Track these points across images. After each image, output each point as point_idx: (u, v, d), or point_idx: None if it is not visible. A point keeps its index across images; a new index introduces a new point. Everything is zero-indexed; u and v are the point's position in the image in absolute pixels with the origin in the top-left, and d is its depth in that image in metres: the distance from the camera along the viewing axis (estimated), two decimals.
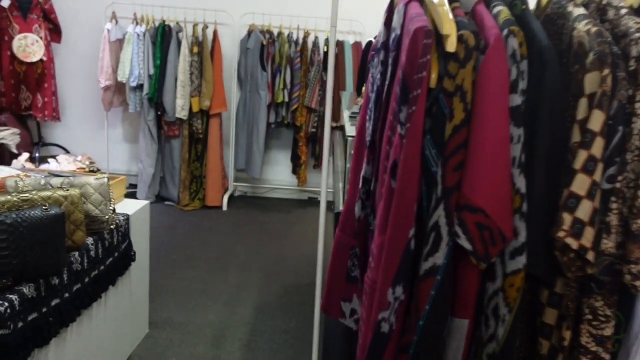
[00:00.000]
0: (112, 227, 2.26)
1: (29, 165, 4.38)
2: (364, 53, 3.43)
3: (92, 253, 2.13)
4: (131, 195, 5.06)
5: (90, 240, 2.13)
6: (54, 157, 4.67)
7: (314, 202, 5.48)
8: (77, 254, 2.02)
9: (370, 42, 3.57)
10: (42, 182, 2.10)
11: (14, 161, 4.39)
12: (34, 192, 1.90)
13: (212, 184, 5.07)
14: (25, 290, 1.73)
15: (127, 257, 2.47)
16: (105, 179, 2.21)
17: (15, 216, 1.70)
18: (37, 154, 4.81)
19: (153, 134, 4.89)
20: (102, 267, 2.23)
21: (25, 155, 4.44)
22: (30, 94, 4.72)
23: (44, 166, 4.44)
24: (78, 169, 4.56)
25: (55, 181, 2.11)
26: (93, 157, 4.65)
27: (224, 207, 5.08)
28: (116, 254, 2.35)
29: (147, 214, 2.74)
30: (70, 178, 2.16)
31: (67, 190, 1.97)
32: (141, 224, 2.68)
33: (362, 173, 1.37)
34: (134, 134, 5.32)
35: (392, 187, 1.11)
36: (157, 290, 3.33)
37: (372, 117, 1.34)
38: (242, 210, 5.10)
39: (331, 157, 3.23)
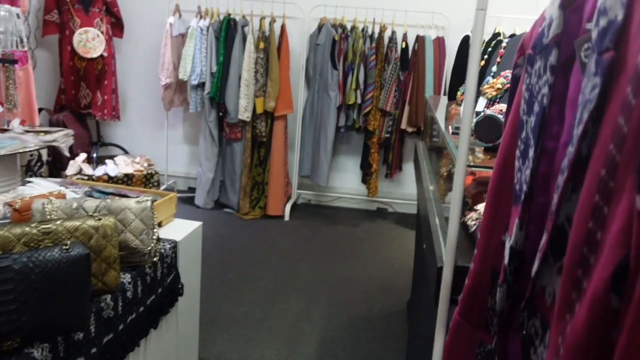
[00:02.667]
0: (155, 259, 1.87)
1: (86, 167, 4.13)
2: (461, 49, 2.91)
3: (130, 294, 1.75)
4: (189, 200, 4.79)
5: (127, 277, 1.75)
6: (112, 157, 4.42)
7: (383, 214, 4.99)
8: (109, 297, 1.64)
9: (467, 37, 3.05)
10: (75, 205, 1.73)
11: (71, 162, 4.16)
12: (59, 222, 1.52)
13: (275, 192, 4.67)
14: (37, 353, 1.35)
15: (173, 293, 2.08)
16: (149, 202, 1.82)
17: (27, 259, 1.32)
18: (95, 154, 4.57)
19: (214, 136, 4.55)
20: (141, 309, 1.85)
21: (83, 155, 4.20)
22: (90, 92, 4.48)
23: (100, 168, 4.19)
24: (136, 171, 4.29)
25: (90, 205, 1.74)
26: (152, 158, 4.37)
27: (286, 217, 4.68)
28: (160, 290, 1.97)
29: (199, 237, 2.35)
30: (108, 201, 1.78)
31: (100, 219, 1.58)
32: (192, 248, 2.29)
33: (510, 242, 0.88)
34: (194, 136, 5.02)
35: (612, 305, 0.61)
36: (209, 318, 2.95)
37: (532, 156, 0.85)
38: (305, 221, 4.68)
39: (418, 172, 2.74)
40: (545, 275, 0.82)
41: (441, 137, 2.37)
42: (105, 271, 1.60)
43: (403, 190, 5.00)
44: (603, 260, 0.61)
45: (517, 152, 0.91)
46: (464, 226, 1.79)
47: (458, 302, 1.08)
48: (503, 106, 1.59)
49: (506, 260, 0.89)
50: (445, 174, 2.27)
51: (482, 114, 1.47)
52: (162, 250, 1.98)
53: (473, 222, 1.69)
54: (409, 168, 4.92)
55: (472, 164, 1.49)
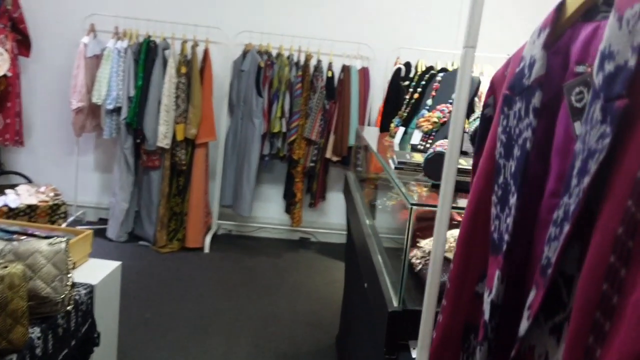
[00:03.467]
0: (69, 307, 1.66)
1: None
2: (393, 81, 2.91)
3: (39, 350, 1.53)
4: (100, 233, 4.45)
5: (36, 332, 1.52)
6: (13, 187, 4.02)
7: (306, 244, 4.90)
8: (14, 358, 1.41)
9: (399, 69, 3.07)
10: None
11: None
12: None
13: (194, 223, 4.45)
14: None
15: (88, 343, 1.86)
16: (63, 244, 1.61)
17: None
18: None
19: (130, 164, 4.28)
20: None
21: None
22: None
23: (0, 199, 3.79)
24: (40, 201, 3.92)
25: None
26: (60, 187, 4.03)
27: (206, 249, 4.47)
28: (73, 343, 1.74)
29: (117, 279, 2.14)
30: (15, 243, 1.56)
31: (5, 267, 1.37)
32: (110, 292, 2.07)
33: (491, 296, 0.81)
34: (107, 163, 4.70)
35: None
36: None
37: (514, 203, 0.79)
38: (226, 253, 4.48)
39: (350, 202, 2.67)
40: (535, 334, 0.75)
41: (382, 170, 2.33)
42: (11, 327, 1.38)
43: (326, 220, 4.95)
44: (627, 332, 0.54)
45: (494, 198, 0.85)
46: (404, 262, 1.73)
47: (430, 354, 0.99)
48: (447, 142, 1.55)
49: (487, 316, 0.82)
50: (388, 208, 2.22)
51: (431, 151, 1.43)
52: (77, 297, 1.76)
53: (418, 261, 1.64)
54: (332, 197, 4.88)
55: (416, 201, 1.43)
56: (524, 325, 0.73)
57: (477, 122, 1.40)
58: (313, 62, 4.41)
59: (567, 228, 0.64)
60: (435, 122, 2.13)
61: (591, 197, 0.62)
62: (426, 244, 1.68)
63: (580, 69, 0.72)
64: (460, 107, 0.74)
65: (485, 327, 0.82)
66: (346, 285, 3.02)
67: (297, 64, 4.40)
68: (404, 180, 1.70)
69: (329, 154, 4.50)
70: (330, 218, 4.94)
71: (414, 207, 1.34)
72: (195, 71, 4.22)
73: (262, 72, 4.29)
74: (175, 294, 3.62)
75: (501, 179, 0.84)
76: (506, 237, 0.80)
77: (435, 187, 1.49)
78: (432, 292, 0.83)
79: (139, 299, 3.45)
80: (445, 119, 2.12)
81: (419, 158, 1.80)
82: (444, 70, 2.47)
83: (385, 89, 4.55)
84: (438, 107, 2.18)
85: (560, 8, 0.78)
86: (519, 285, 0.83)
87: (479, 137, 0.96)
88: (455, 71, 2.27)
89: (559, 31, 0.78)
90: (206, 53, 4.32)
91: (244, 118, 4.40)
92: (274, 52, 4.41)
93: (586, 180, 0.61)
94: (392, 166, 1.76)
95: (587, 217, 0.64)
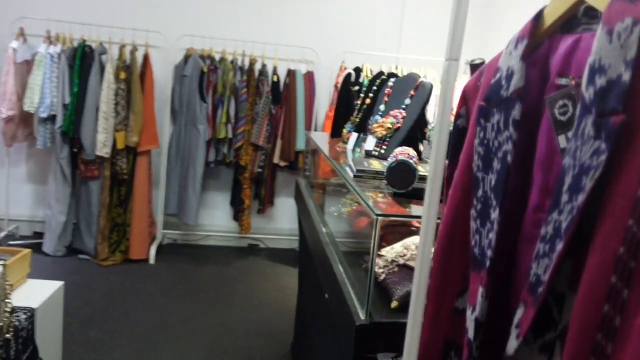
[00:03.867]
0: (8, 335, 1.53)
1: None
2: (344, 86, 2.89)
3: None
4: (36, 247, 4.19)
5: None
6: None
7: (255, 251, 4.82)
8: None
9: (349, 74, 3.05)
10: None
11: None
12: None
13: (138, 233, 4.29)
14: None
15: None
16: (0, 267, 1.49)
17: None
18: None
19: (66, 174, 4.06)
20: None
21: None
22: None
23: None
24: None
25: None
26: None
27: (151, 260, 4.31)
28: None
29: (60, 300, 2.01)
30: None
31: None
32: (52, 314, 1.94)
33: (475, 313, 0.79)
34: (41, 174, 4.45)
35: None
36: None
37: (497, 218, 0.77)
38: (173, 263, 4.34)
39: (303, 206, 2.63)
40: (523, 353, 0.73)
41: (336, 177, 2.30)
42: None
43: (275, 225, 4.88)
44: (632, 355, 0.53)
45: (473, 212, 0.83)
46: (366, 272, 1.71)
47: None
48: (408, 149, 1.54)
49: (471, 334, 0.80)
50: (344, 214, 2.19)
51: (393, 159, 1.41)
52: (17, 323, 1.63)
53: (380, 270, 1.61)
54: (281, 203, 4.83)
55: (381, 212, 1.41)
56: (512, 344, 0.71)
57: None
58: (258, 67, 4.34)
59: (560, 246, 0.62)
60: (389, 128, 2.13)
61: (584, 214, 0.61)
62: (387, 252, 1.66)
63: (562, 81, 0.71)
64: (444, 120, 0.71)
65: (469, 345, 0.80)
66: (301, 292, 2.98)
67: (241, 68, 4.32)
68: (362, 188, 1.68)
69: (276, 159, 4.44)
70: (279, 223, 4.88)
71: (379, 218, 1.31)
72: (135, 76, 4.07)
73: (206, 77, 4.19)
74: (120, 309, 3.46)
75: (480, 193, 0.82)
76: (489, 252, 0.78)
77: (397, 196, 1.47)
78: (418, 309, 0.80)
79: (81, 316, 3.28)
80: (399, 125, 2.12)
81: (377, 166, 1.78)
82: (393, 75, 2.47)
83: (330, 93, 4.55)
84: (391, 112, 2.17)
85: (537, 19, 0.77)
86: (500, 300, 0.81)
87: (452, 148, 0.94)
88: (406, 76, 2.27)
89: (535, 42, 0.77)
90: (146, 58, 4.17)
91: (188, 124, 4.28)
92: (217, 57, 4.31)
93: (581, 197, 0.60)
94: (351, 174, 1.73)
95: (578, 234, 0.62)
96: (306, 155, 3.47)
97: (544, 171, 0.74)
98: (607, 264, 0.56)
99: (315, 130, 4.52)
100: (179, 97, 4.31)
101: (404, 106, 2.16)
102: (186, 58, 4.26)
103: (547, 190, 0.73)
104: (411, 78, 2.21)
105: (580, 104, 0.63)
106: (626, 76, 0.56)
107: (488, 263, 0.78)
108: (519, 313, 0.70)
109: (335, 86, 4.44)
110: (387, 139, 2.15)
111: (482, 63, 3.74)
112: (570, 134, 0.69)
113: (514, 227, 0.79)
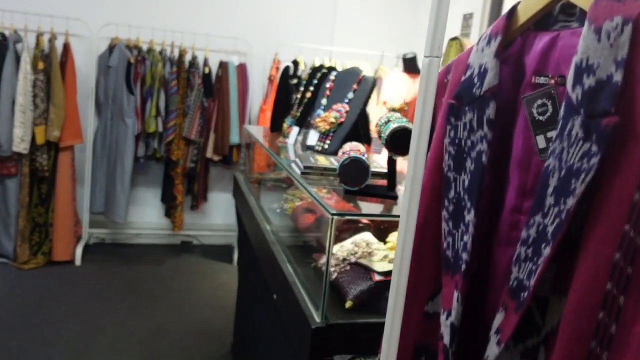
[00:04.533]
0: None
1: None
2: (282, 80, 2.82)
3: None
4: None
5: None
6: None
7: (189, 248, 4.68)
8: None
9: (287, 67, 2.98)
10: None
11: None
12: None
13: (61, 234, 4.04)
14: None
15: None
16: None
17: None
18: None
19: None
20: None
21: None
22: None
23: None
24: None
25: None
26: None
27: (77, 262, 4.08)
28: None
29: None
30: None
31: None
32: None
33: (451, 318, 0.77)
34: None
35: None
36: None
37: (471, 220, 0.75)
38: (101, 264, 4.13)
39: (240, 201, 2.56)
40: (503, 358, 0.72)
41: (278, 172, 2.25)
42: None
43: (209, 221, 4.76)
44: None
45: (445, 214, 0.81)
46: (316, 271, 1.68)
47: None
48: (358, 145, 1.51)
49: (447, 340, 0.78)
50: (287, 211, 2.14)
51: (346, 157, 1.37)
52: None
53: (332, 269, 1.58)
54: (214, 198, 4.71)
55: (336, 211, 1.37)
56: (493, 350, 0.69)
57: (390, 126, 1.37)
58: (188, 58, 4.19)
59: (547, 250, 0.61)
60: (332, 122, 2.10)
61: (580, 220, 0.59)
62: (338, 250, 1.63)
63: (541, 80, 0.70)
64: (425, 118, 0.68)
65: (445, 352, 0.78)
66: (242, 290, 2.91)
67: (170, 59, 4.15)
68: (311, 185, 1.64)
69: (209, 154, 4.31)
70: (213, 219, 4.76)
71: (335, 217, 1.28)
72: (54, 67, 3.81)
73: (133, 68, 3.99)
74: (45, 315, 3.25)
75: (452, 194, 0.80)
76: (464, 255, 0.76)
77: (349, 194, 1.44)
78: (397, 316, 0.77)
79: (1, 325, 3.05)
80: (342, 119, 2.09)
81: (324, 162, 1.74)
82: (332, 69, 2.44)
83: (264, 86, 4.47)
84: (334, 106, 2.14)
85: (510, 15, 0.75)
86: (473, 303, 0.80)
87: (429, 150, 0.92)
88: (349, 70, 2.25)
89: (507, 39, 0.76)
90: (66, 47, 3.92)
91: (114, 118, 4.07)
92: (145, 47, 4.12)
93: (570, 201, 0.58)
94: (298, 171, 1.68)
95: (564, 237, 0.61)
96: (242, 149, 3.39)
97: (521, 172, 0.73)
98: (601, 270, 0.55)
99: (250, 123, 4.43)
100: (104, 89, 4.09)
101: (347, 100, 2.13)
102: (111, 48, 4.05)
103: (524, 192, 0.72)
104: (354, 72, 2.18)
105: (565, 104, 0.61)
106: (618, 76, 0.55)
107: (464, 267, 0.76)
108: (499, 318, 0.69)
109: (269, 79, 4.36)
110: (331, 134, 2.12)
111: (414, 58, 3.79)
112: (550, 134, 0.68)
113: (486, 228, 0.78)
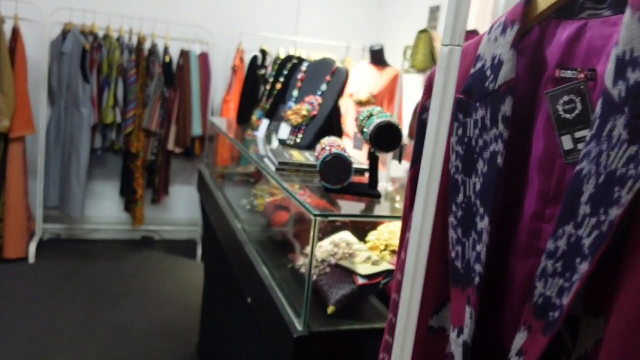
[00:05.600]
0: None
1: None
2: (250, 70, 2.70)
3: None
4: None
5: None
6: None
7: (150, 243, 4.52)
8: None
9: (255, 57, 2.86)
10: None
11: None
12: None
13: (13, 229, 3.83)
14: None
15: None
16: None
17: None
18: None
19: None
20: None
21: None
22: None
23: None
24: None
25: None
26: None
27: (31, 259, 3.88)
28: None
29: None
30: None
31: None
32: None
33: (463, 337, 0.70)
34: None
35: None
36: None
37: (485, 227, 0.68)
38: (57, 261, 3.94)
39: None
40: None
41: (246, 166, 2.15)
42: None
43: (171, 215, 4.60)
44: None
45: (452, 220, 0.74)
46: (293, 273, 1.59)
47: None
48: (337, 140, 1.43)
49: (454, 347, 0.71)
50: (256, 207, 2.04)
51: (327, 153, 1.29)
52: None
53: (313, 271, 1.50)
54: (176, 191, 4.55)
55: (318, 212, 1.29)
56: None
57: (374, 121, 1.29)
58: (147, 46, 4.01)
59: (584, 267, 0.55)
60: (304, 115, 2.01)
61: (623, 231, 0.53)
62: (317, 250, 1.55)
63: (567, 74, 0.63)
64: (444, 115, 0.60)
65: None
66: (208, 289, 2.80)
67: (129, 47, 3.96)
68: (286, 181, 1.55)
69: (171, 146, 4.15)
70: (175, 213, 4.61)
71: (318, 219, 1.19)
72: (3, 53, 3.57)
73: (88, 55, 3.79)
74: None
75: (461, 198, 0.73)
76: (477, 267, 0.69)
77: (329, 192, 1.36)
78: (408, 338, 0.70)
79: None
80: (315, 112, 2.01)
81: (299, 157, 1.66)
82: (300, 59, 2.35)
83: (227, 77, 4.33)
84: (306, 98, 2.05)
85: (529, 1, 0.68)
86: (483, 317, 0.73)
87: (417, 145, 0.84)
88: (321, 61, 2.16)
89: (524, 28, 0.69)
90: (16, 32, 3.68)
91: (69, 107, 3.86)
92: (101, 33, 3.92)
93: (614, 211, 0.52)
94: (272, 167, 1.59)
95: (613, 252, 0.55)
96: (206, 142, 3.26)
97: (543, 175, 0.66)
98: None
99: (212, 115, 4.29)
100: (58, 77, 3.87)
101: (320, 92, 2.05)
102: (64, 34, 3.83)
103: (547, 197, 0.66)
104: (327, 63, 2.10)
105: (603, 102, 0.55)
106: None
107: (477, 279, 0.69)
108: (520, 338, 0.62)
109: (233, 69, 4.22)
110: (303, 127, 2.03)
111: (381, 49, 3.73)
112: (579, 134, 0.61)
113: (503, 237, 0.71)
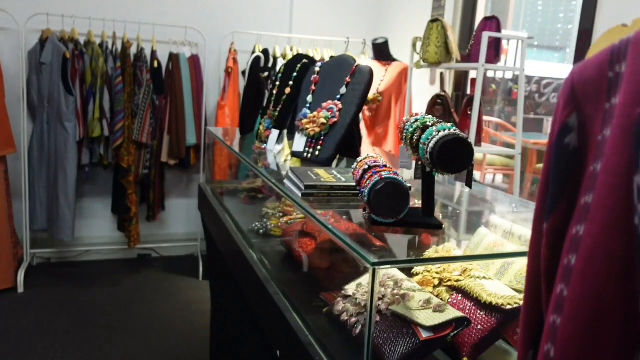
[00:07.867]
0: None
1: None
2: (252, 73, 2.42)
3: None
4: None
5: None
6: None
7: (147, 262, 4.24)
8: None
9: (258, 58, 2.58)
10: None
11: None
12: None
13: None
14: None
15: None
16: None
17: None
18: None
19: None
20: None
21: None
22: None
23: None
24: None
25: None
26: None
27: (20, 288, 3.59)
28: None
29: None
30: None
31: None
32: None
33: None
34: None
35: None
36: None
37: None
38: (48, 288, 3.65)
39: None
40: None
41: (257, 182, 1.89)
42: None
43: (168, 231, 4.32)
44: None
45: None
46: (331, 320, 1.32)
47: None
48: (377, 157, 1.16)
49: None
50: (271, 232, 1.78)
51: (377, 178, 1.02)
52: None
53: (354, 319, 1.23)
54: (172, 205, 4.27)
55: (377, 260, 1.02)
56: None
57: (433, 133, 1.03)
58: (133, 51, 3.72)
59: None
60: (323, 124, 1.74)
61: None
62: (355, 290, 1.28)
63: None
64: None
65: None
66: (217, 311, 2.52)
67: (113, 53, 3.67)
68: (313, 207, 1.28)
69: (164, 158, 3.87)
70: (172, 229, 4.32)
71: (377, 269, 0.93)
72: None
73: (70, 64, 3.49)
74: None
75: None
76: None
77: (376, 224, 1.10)
78: None
79: None
80: (335, 119, 1.74)
81: (328, 177, 1.39)
82: (310, 59, 2.07)
83: (221, 80, 4.05)
84: (323, 104, 1.78)
85: None
86: None
87: (559, 182, 0.57)
88: (338, 60, 1.88)
89: None
90: None
91: (52, 122, 3.57)
92: (82, 40, 3.63)
93: None
94: (298, 192, 1.32)
95: None
96: (205, 154, 2.98)
97: None
98: None
99: (207, 122, 4.00)
100: (38, 89, 3.58)
101: (339, 96, 1.78)
102: (42, 42, 3.53)
103: None
104: (345, 61, 1.83)
105: None
106: None
107: None
108: None
109: (227, 71, 3.94)
110: (322, 137, 1.76)
111: (386, 42, 3.46)
112: None
113: None
